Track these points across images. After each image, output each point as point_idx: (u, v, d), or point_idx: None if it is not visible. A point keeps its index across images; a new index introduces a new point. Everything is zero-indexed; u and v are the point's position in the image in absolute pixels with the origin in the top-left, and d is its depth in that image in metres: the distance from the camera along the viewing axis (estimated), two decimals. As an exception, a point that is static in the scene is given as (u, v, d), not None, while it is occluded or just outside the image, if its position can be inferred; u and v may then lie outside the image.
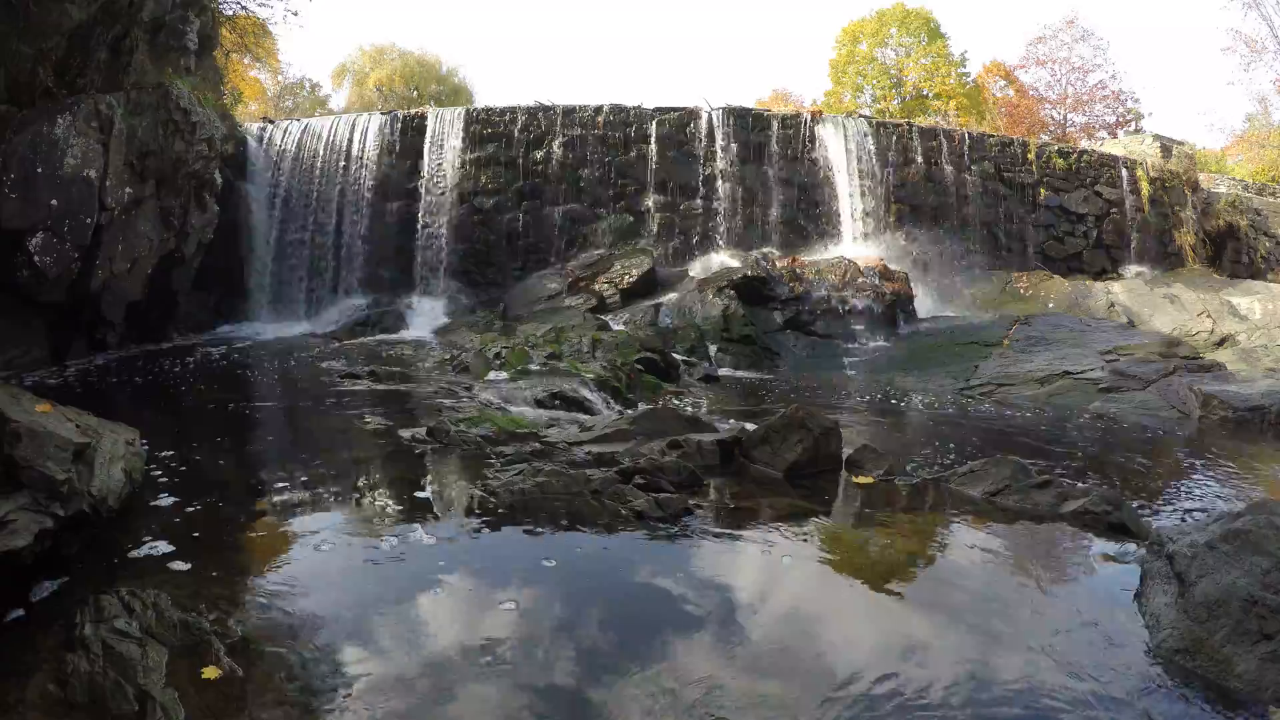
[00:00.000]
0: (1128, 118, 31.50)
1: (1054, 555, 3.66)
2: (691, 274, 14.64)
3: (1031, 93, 32.11)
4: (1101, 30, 55.50)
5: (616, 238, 15.38)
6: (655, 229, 15.58)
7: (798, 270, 13.67)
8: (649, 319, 12.58)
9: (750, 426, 5.35)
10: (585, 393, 7.15)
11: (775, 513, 4.00)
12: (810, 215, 16.19)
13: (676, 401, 7.80)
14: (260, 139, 15.26)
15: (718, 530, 3.71)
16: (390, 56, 34.54)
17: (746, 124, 16.28)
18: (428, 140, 15.54)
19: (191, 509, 3.80)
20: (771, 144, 16.20)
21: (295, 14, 21.40)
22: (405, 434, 5.38)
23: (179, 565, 3.15)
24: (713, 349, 11.38)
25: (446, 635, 2.69)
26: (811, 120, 16.58)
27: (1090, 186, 17.83)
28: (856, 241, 15.93)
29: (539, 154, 15.65)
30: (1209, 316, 13.71)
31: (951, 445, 6.25)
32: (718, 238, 15.65)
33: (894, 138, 16.86)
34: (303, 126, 15.67)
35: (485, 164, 15.51)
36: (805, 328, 12.86)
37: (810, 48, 72.84)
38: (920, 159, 16.79)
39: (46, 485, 3.13)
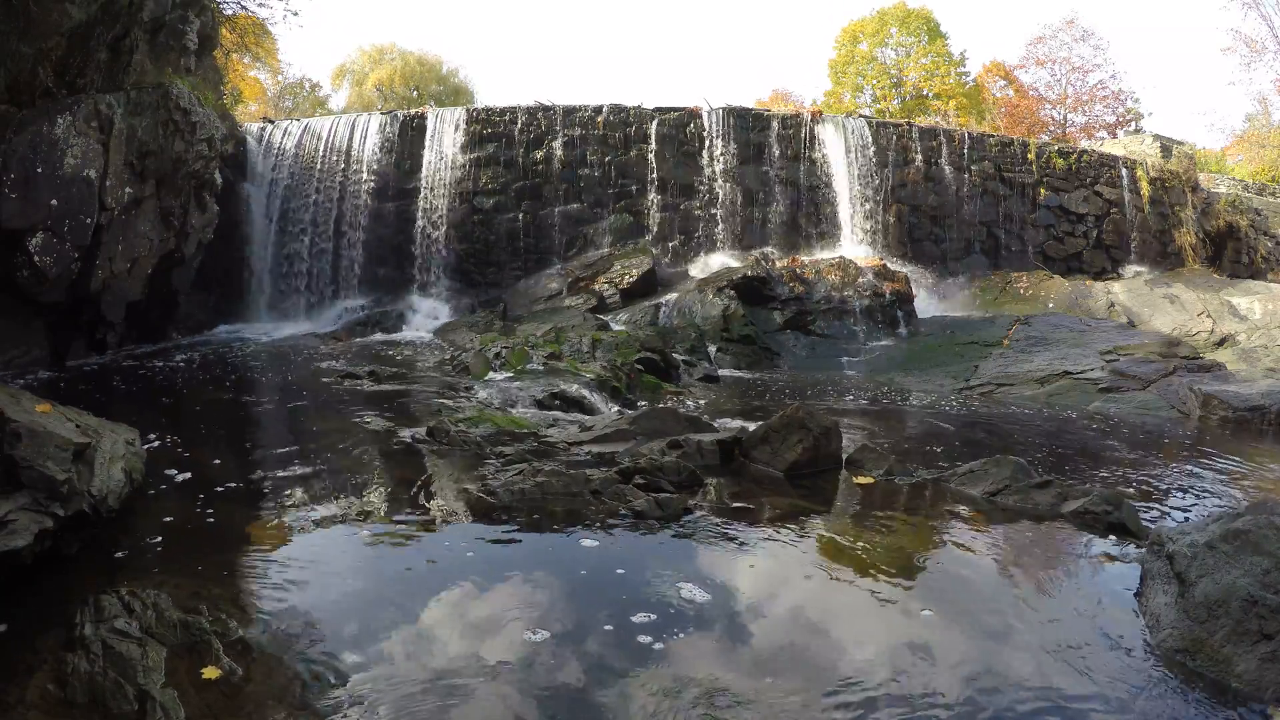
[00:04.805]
0: (1128, 118, 31.50)
1: (1054, 555, 3.66)
2: (691, 274, 14.64)
3: (1031, 93, 32.10)
4: (1101, 30, 55.49)
5: (616, 238, 15.38)
6: (655, 229, 15.57)
7: (798, 270, 13.67)
8: (649, 319, 12.58)
9: (750, 426, 5.35)
10: (585, 393, 7.15)
11: (775, 512, 4.00)
12: (810, 215, 16.19)
13: (679, 402, 7.80)
14: (260, 139, 15.25)
15: (718, 530, 3.71)
16: (390, 57, 34.52)
17: (746, 124, 16.27)
18: (428, 140, 15.53)
19: (191, 509, 3.80)
20: (771, 144, 16.20)
21: (295, 14, 21.46)
22: (405, 434, 5.38)
23: (179, 565, 3.15)
24: (713, 349, 11.38)
25: (446, 635, 2.69)
26: (811, 120, 16.57)
27: (1090, 186, 17.84)
28: (856, 241, 15.93)
29: (539, 154, 15.65)
30: (1209, 316, 13.71)
31: (951, 445, 6.25)
32: (718, 238, 15.65)
33: (894, 138, 16.86)
34: (303, 126, 15.66)
35: (485, 164, 15.51)
36: (805, 328, 12.86)
37: (810, 48, 72.80)
38: (920, 159, 16.79)
39: (46, 485, 3.13)
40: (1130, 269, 17.45)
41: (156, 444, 4.95)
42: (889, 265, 14.32)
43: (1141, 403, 8.62)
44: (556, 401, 6.88)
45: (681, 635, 2.69)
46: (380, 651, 2.55)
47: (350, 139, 15.40)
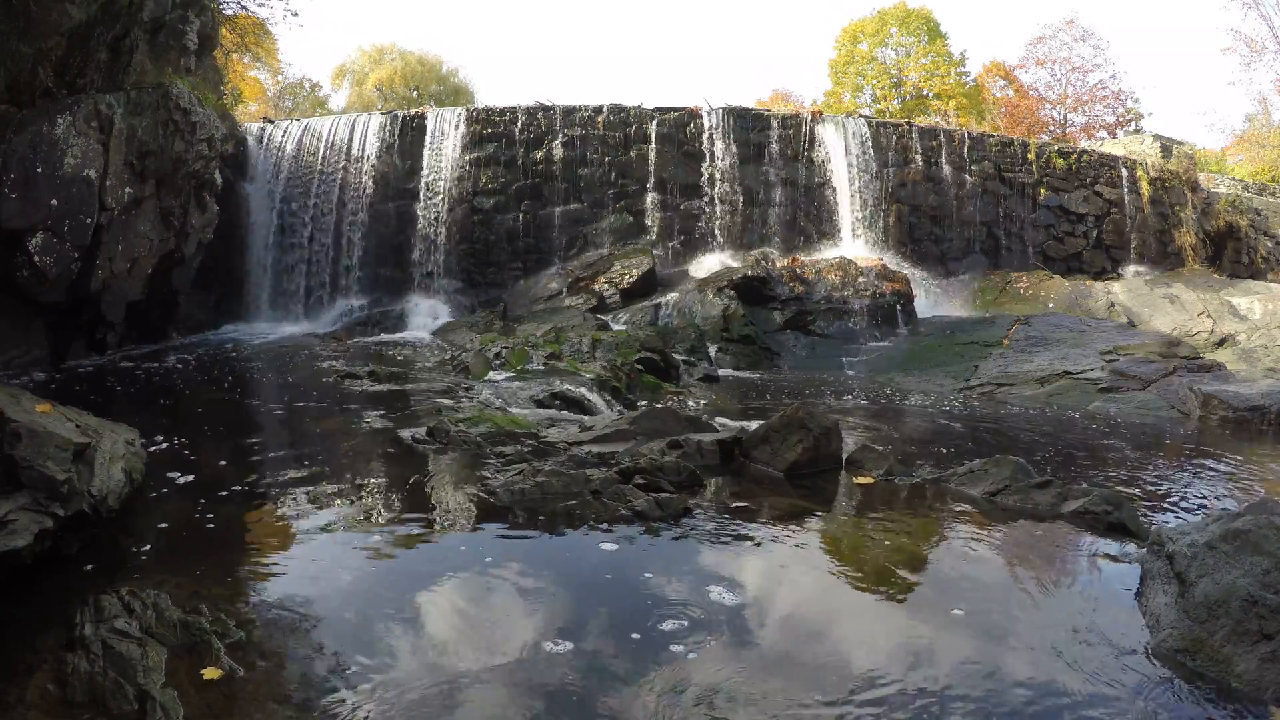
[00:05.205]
0: (1128, 118, 31.52)
1: (1054, 555, 3.66)
2: (691, 274, 14.64)
3: (1031, 93, 32.12)
4: (1101, 30, 55.57)
5: (616, 238, 15.38)
6: (655, 229, 15.57)
7: (798, 270, 13.67)
8: (649, 319, 12.58)
9: (750, 426, 5.35)
10: (585, 393, 7.14)
11: (775, 513, 4.00)
12: (810, 215, 16.19)
13: (679, 402, 7.80)
14: (260, 139, 15.25)
15: (718, 530, 3.70)
16: (390, 57, 34.53)
17: (746, 124, 16.28)
18: (428, 140, 15.53)
19: (191, 509, 3.80)
20: (771, 144, 16.20)
21: (295, 14, 21.46)
22: (405, 434, 5.38)
23: (179, 565, 3.15)
24: (713, 349, 11.38)
25: (446, 635, 2.68)
26: (811, 120, 16.57)
27: (1090, 186, 17.84)
28: (856, 241, 15.93)
29: (539, 154, 15.65)
30: (1209, 316, 13.71)
31: (951, 445, 6.25)
32: (718, 238, 15.65)
33: (894, 138, 16.86)
34: (303, 126, 15.66)
35: (485, 164, 15.51)
36: (805, 328, 12.86)
37: (810, 48, 72.88)
38: (920, 159, 16.79)
39: (46, 485, 3.13)
40: (1130, 269, 17.46)
41: (158, 444, 4.95)
42: (889, 265, 14.33)
43: (1141, 403, 8.62)
44: (556, 401, 6.87)
45: (682, 636, 2.68)
46: (380, 650, 2.55)
47: (350, 139, 15.39)
